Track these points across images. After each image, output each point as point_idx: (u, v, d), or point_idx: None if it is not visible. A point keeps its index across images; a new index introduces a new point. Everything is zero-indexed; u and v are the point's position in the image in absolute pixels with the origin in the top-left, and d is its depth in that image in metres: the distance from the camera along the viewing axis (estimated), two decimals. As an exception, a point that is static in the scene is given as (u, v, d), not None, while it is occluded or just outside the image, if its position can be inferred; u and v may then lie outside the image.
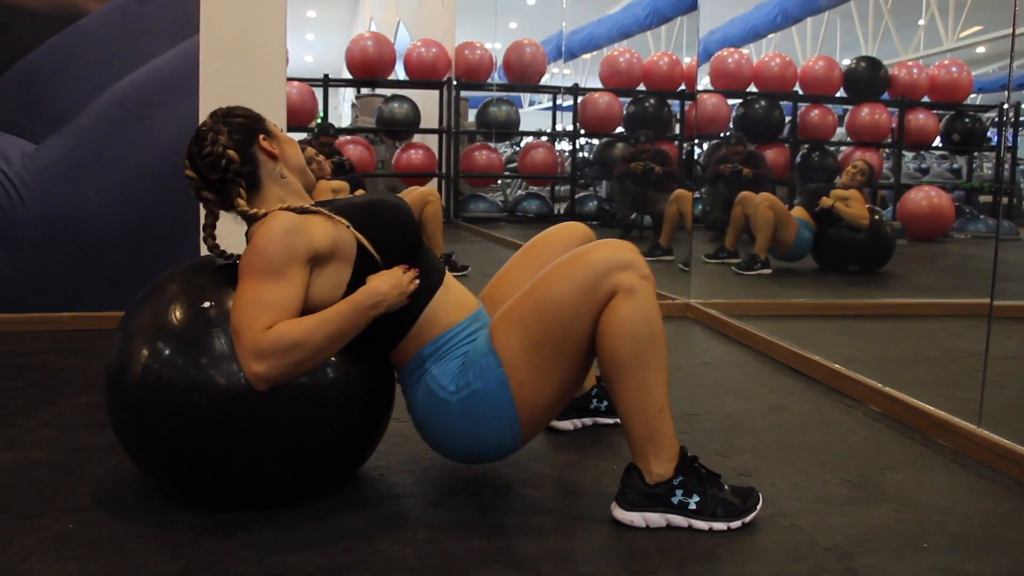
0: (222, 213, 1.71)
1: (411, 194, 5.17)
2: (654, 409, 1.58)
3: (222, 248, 1.74)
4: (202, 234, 1.73)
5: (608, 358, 1.57)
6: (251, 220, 1.63)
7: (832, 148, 9.13)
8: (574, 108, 9.44)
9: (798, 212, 5.51)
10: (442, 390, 1.62)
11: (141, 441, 1.59)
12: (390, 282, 1.57)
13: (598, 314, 1.57)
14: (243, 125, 1.67)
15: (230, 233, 1.73)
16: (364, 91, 10.48)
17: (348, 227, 1.59)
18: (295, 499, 1.66)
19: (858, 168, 5.48)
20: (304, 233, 1.53)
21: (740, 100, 8.91)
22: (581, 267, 1.58)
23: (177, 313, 1.57)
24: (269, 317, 1.47)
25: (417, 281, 1.62)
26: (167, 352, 1.54)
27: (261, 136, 1.68)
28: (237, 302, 1.50)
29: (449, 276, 1.72)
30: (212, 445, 1.53)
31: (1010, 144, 9.91)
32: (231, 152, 1.63)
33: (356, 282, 1.58)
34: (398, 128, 9.05)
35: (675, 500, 1.59)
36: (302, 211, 1.58)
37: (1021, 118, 9.58)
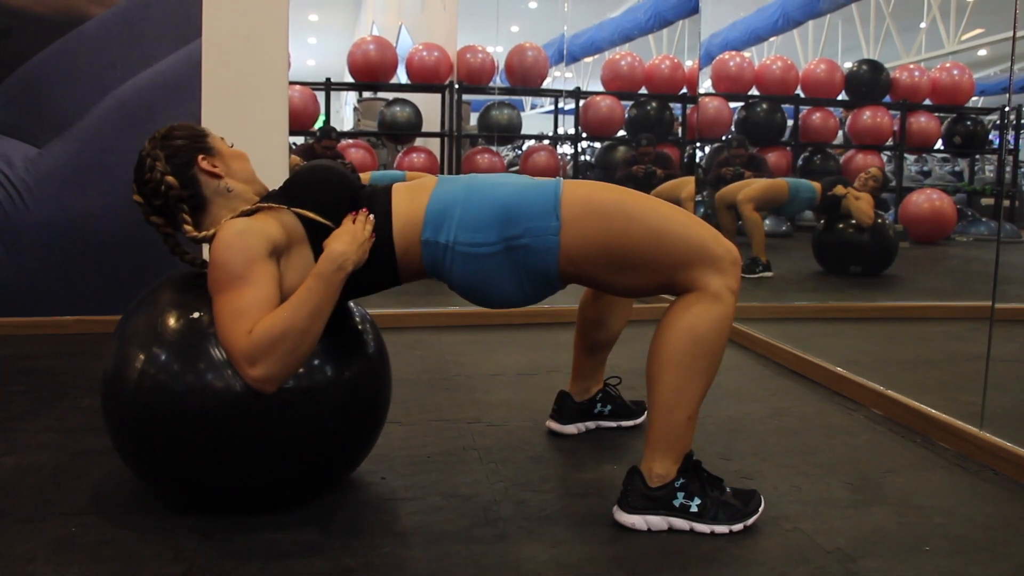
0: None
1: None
2: (683, 414, 1.59)
3: (202, 259, 1.75)
4: (172, 253, 1.74)
5: (662, 348, 1.58)
6: (202, 243, 1.62)
7: (833, 151, 9.12)
8: (576, 111, 9.44)
9: (813, 183, 5.57)
10: (480, 247, 1.60)
11: (138, 447, 1.59)
12: (345, 239, 1.56)
13: (667, 282, 1.59)
14: (181, 148, 1.66)
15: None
16: (366, 95, 10.48)
17: (287, 209, 1.59)
18: (293, 502, 1.67)
19: (871, 174, 5.52)
20: (255, 231, 1.53)
21: (742, 103, 8.91)
22: (695, 232, 1.59)
23: (172, 319, 1.57)
24: (249, 321, 1.47)
25: (371, 218, 1.61)
26: (163, 357, 1.54)
27: (200, 157, 1.66)
28: (217, 319, 1.50)
29: (396, 185, 1.70)
30: (209, 449, 1.53)
31: (1012, 147, 9.90)
32: (169, 178, 1.63)
33: (319, 255, 1.57)
34: (400, 132, 9.04)
35: (677, 503, 1.59)
36: (247, 213, 1.58)
37: (1022, 121, 9.57)
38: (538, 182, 1.66)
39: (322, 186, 1.64)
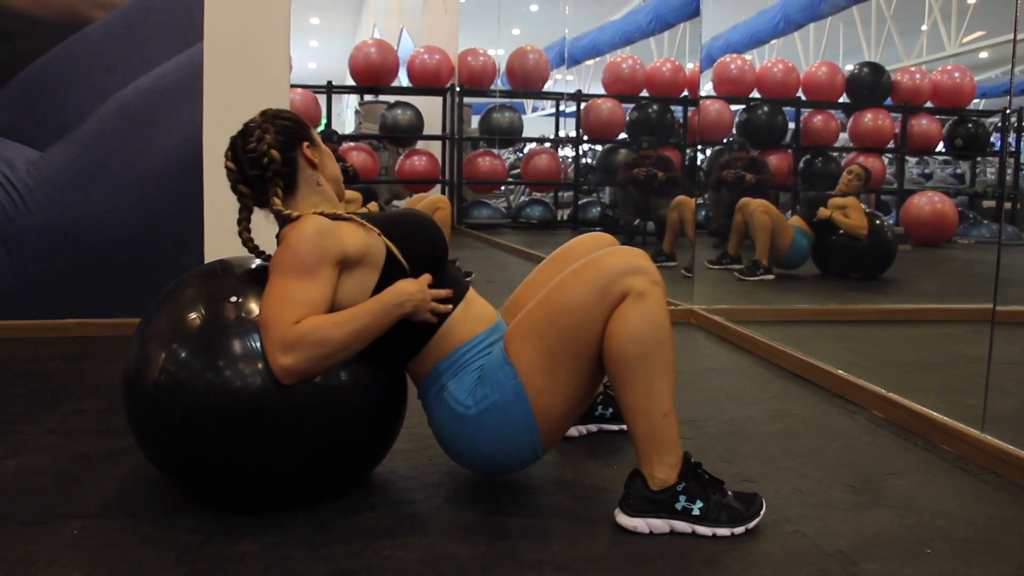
0: (255, 209, 1.74)
1: (422, 200, 5.20)
2: (659, 413, 1.59)
3: (256, 243, 1.77)
4: (237, 228, 1.76)
5: (614, 360, 1.58)
6: (284, 221, 1.65)
7: (835, 154, 9.13)
8: (577, 114, 9.46)
9: (796, 221, 5.52)
10: (459, 405, 1.64)
11: (158, 442, 1.60)
12: (416, 285, 1.61)
13: (611, 312, 1.58)
14: (289, 128, 1.72)
15: (256, 230, 1.76)
16: (367, 98, 10.50)
17: (379, 234, 1.63)
18: (310, 501, 1.67)
19: (854, 173, 5.47)
20: (335, 236, 1.57)
21: (743, 106, 8.91)
22: (594, 273, 1.60)
23: (194, 316, 1.59)
24: (298, 312, 1.51)
25: (449, 306, 1.65)
26: (184, 355, 1.55)
27: (305, 143, 1.72)
28: (268, 297, 1.53)
29: (472, 291, 1.75)
30: (228, 446, 1.54)
31: (1013, 149, 9.90)
32: (274, 152, 1.67)
33: (382, 288, 1.61)
34: (401, 135, 9.06)
35: (679, 506, 1.60)
36: (335, 217, 1.62)
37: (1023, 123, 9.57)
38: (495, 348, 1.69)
39: (424, 238, 1.69)
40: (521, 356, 1.61)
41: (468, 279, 4.95)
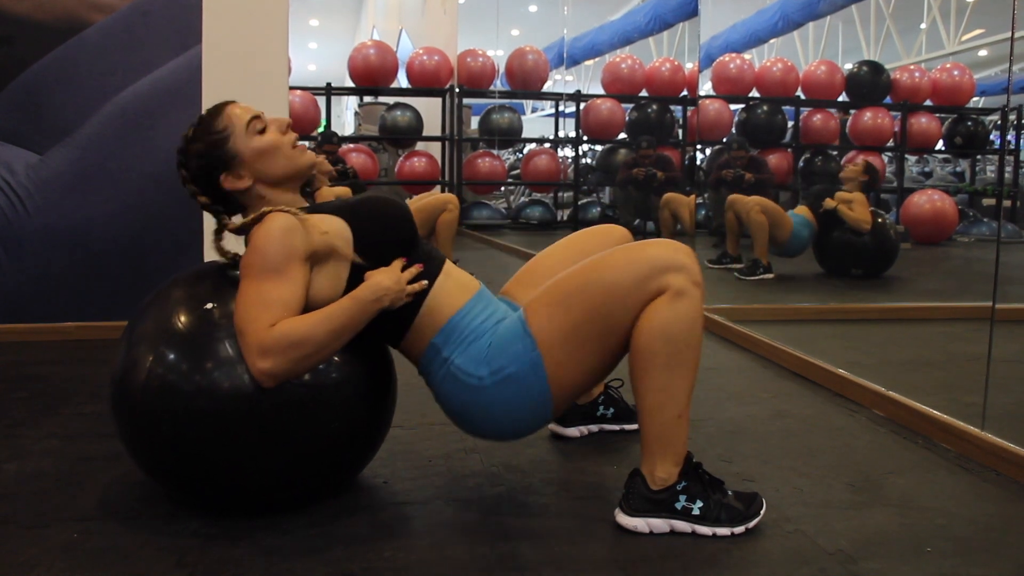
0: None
1: (429, 198, 5.19)
2: (672, 414, 1.59)
3: (227, 250, 1.75)
4: (212, 238, 1.74)
5: (640, 354, 1.57)
6: (250, 226, 1.61)
7: (835, 153, 9.12)
8: (576, 115, 9.46)
9: (801, 211, 5.53)
10: (470, 377, 1.62)
11: (147, 447, 1.60)
12: (392, 277, 1.58)
13: (642, 308, 1.57)
14: (202, 167, 1.64)
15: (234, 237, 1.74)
16: (367, 99, 10.51)
17: (344, 224, 1.61)
18: (301, 502, 1.67)
19: (858, 169, 5.47)
20: (301, 232, 1.54)
21: (742, 105, 8.91)
22: (637, 258, 1.59)
23: (181, 319, 1.58)
24: (272, 315, 1.48)
25: (425, 282, 1.63)
26: (171, 357, 1.55)
27: (222, 176, 1.64)
28: (240, 302, 1.51)
29: (448, 262, 1.73)
30: (218, 449, 1.54)
31: (1012, 147, 9.89)
32: (202, 198, 1.67)
33: (355, 278, 1.59)
34: (401, 136, 9.07)
35: (679, 506, 1.60)
36: (305, 209, 1.60)
37: (1023, 121, 9.57)
38: (508, 319, 1.67)
39: (388, 221, 1.66)
40: (544, 328, 1.59)
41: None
